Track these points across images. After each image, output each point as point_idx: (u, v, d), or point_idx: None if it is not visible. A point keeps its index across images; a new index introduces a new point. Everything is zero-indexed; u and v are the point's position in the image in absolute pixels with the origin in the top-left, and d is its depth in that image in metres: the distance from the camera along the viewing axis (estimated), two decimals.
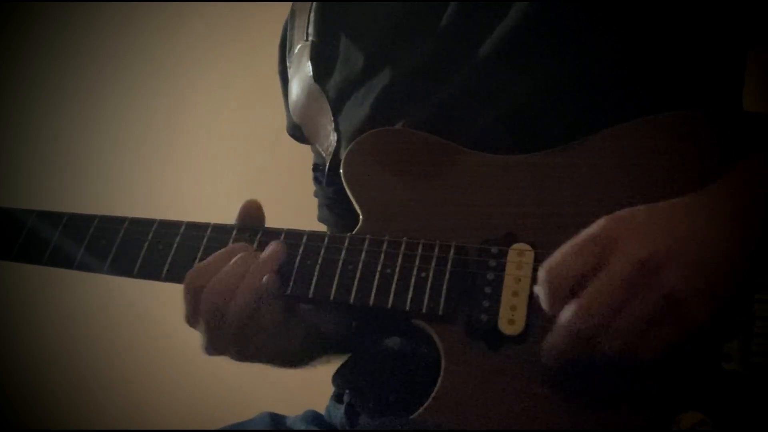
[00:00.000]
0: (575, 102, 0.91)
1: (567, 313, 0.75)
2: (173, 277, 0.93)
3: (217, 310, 0.87)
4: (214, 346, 0.90)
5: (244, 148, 2.04)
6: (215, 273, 0.88)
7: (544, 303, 0.77)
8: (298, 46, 1.12)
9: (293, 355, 1.00)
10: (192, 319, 0.90)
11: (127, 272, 0.95)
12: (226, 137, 2.07)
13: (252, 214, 0.95)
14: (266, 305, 0.88)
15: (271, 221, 0.96)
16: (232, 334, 0.88)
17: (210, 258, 0.90)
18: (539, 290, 0.77)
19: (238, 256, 0.89)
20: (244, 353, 0.92)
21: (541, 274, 0.77)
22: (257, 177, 1.98)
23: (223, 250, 0.91)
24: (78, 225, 0.98)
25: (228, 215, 0.97)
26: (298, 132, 1.14)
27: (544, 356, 0.79)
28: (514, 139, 0.91)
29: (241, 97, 2.04)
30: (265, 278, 0.88)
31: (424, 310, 0.86)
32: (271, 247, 0.90)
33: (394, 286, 0.87)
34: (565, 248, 0.77)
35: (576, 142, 0.89)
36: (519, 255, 0.86)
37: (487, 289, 0.85)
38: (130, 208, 1.02)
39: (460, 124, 0.94)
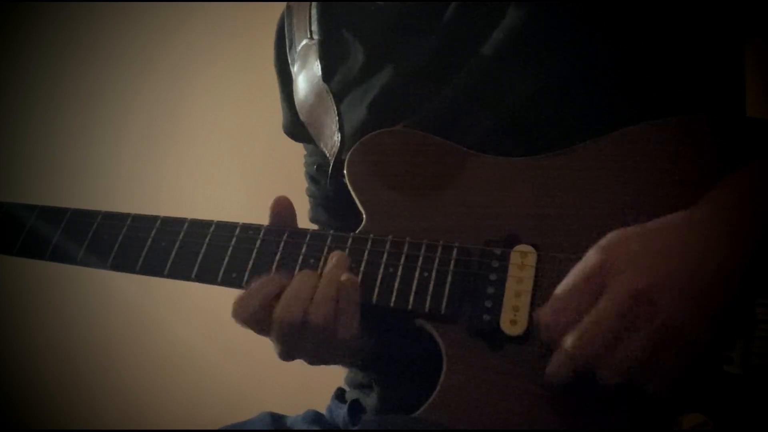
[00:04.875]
0: (576, 103, 0.92)
1: (566, 343, 0.76)
2: (175, 273, 0.93)
3: (293, 323, 0.86)
4: (289, 355, 0.91)
5: (244, 148, 2.04)
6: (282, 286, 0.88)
7: (545, 337, 0.79)
8: (302, 44, 1.10)
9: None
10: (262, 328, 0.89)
11: (130, 268, 0.95)
12: (226, 136, 2.07)
13: (282, 212, 0.94)
14: (344, 311, 0.87)
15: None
16: (312, 344, 0.88)
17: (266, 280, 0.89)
18: (540, 327, 0.79)
19: (303, 272, 0.88)
20: (320, 358, 0.93)
21: (542, 314, 0.78)
22: (257, 176, 1.98)
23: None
24: (81, 221, 0.98)
25: (228, 213, 0.97)
26: (298, 130, 1.13)
27: (545, 382, 0.80)
28: (515, 141, 0.92)
29: (241, 96, 2.03)
30: (344, 276, 0.87)
31: (426, 310, 0.86)
32: (337, 256, 0.89)
33: (396, 285, 0.88)
34: (563, 286, 0.78)
35: (578, 146, 0.89)
36: (522, 256, 0.86)
37: (490, 290, 0.86)
38: (129, 207, 1.02)
39: (461, 126, 0.94)
